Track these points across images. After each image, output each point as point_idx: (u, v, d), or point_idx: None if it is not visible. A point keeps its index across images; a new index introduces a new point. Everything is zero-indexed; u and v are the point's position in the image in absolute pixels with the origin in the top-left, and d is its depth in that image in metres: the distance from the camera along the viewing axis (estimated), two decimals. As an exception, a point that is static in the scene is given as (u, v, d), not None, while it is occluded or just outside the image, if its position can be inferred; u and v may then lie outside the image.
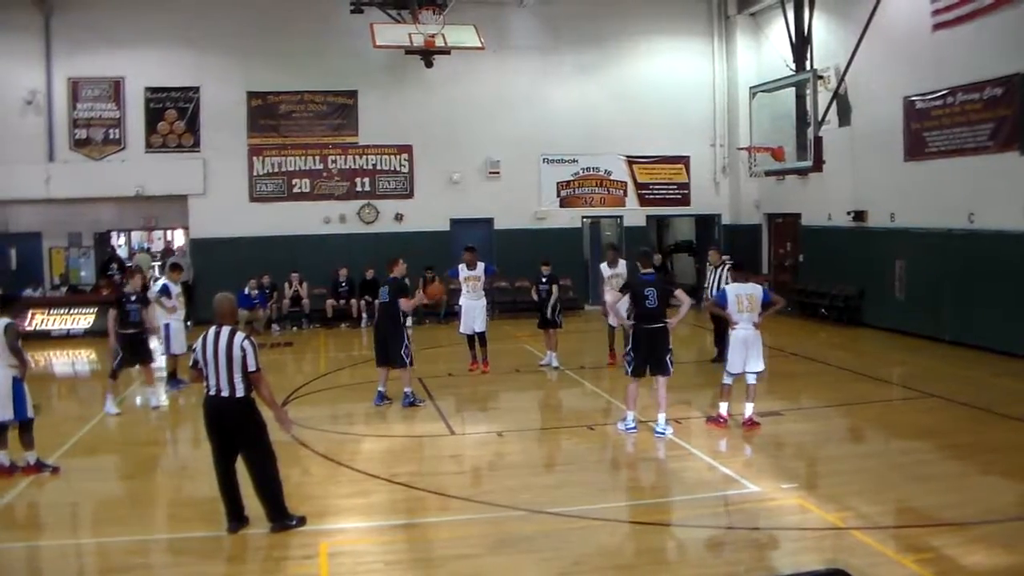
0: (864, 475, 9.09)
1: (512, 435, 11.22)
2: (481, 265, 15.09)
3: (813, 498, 8.40)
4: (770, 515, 8.09)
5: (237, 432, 7.70)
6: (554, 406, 13.51)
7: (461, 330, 15.14)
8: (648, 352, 10.76)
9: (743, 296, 10.99)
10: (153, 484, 9.86)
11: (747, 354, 10.96)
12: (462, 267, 15.09)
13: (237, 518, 7.75)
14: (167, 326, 14.16)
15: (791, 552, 7.28)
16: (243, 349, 7.56)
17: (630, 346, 10.91)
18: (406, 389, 12.62)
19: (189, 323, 20.21)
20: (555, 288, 15.32)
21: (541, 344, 16.11)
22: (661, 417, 10.81)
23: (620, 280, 14.98)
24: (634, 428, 10.90)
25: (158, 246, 32.43)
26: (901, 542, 7.30)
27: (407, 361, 12.54)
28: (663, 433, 10.69)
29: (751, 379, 11.07)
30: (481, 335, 15.02)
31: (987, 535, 7.35)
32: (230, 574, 7.21)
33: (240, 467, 7.82)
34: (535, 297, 15.58)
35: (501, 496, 8.66)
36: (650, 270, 11.05)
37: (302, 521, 7.84)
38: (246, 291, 19.97)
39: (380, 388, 12.77)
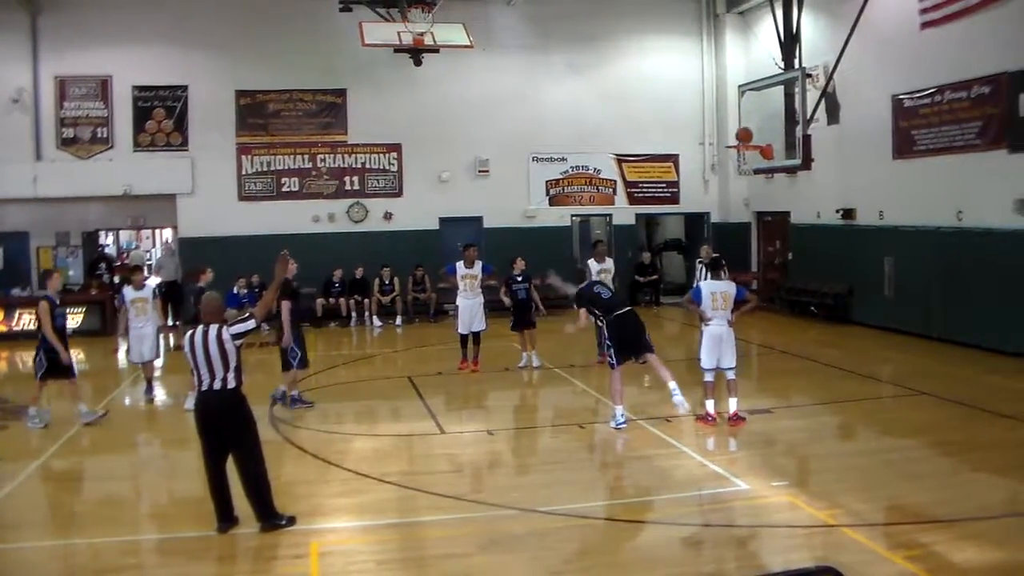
0: (854, 472, 9.11)
1: (502, 434, 11.21)
2: (479, 264, 15.03)
3: (803, 495, 8.40)
4: (760, 513, 8.10)
5: (228, 426, 7.70)
6: (544, 405, 13.49)
7: (459, 329, 15.08)
8: (624, 337, 10.97)
9: (718, 293, 11.10)
10: (142, 484, 9.83)
11: (720, 351, 11.04)
12: (460, 264, 15.02)
13: (227, 518, 7.72)
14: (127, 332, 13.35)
15: (781, 550, 7.28)
16: (229, 337, 7.63)
17: (607, 340, 11.10)
18: (281, 387, 12.41)
19: (178, 322, 20.27)
20: (533, 287, 15.09)
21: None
22: (671, 384, 10.78)
23: (609, 275, 15.02)
24: (624, 423, 10.92)
25: (146, 245, 32.48)
26: (891, 539, 7.31)
27: (292, 363, 12.21)
28: (677, 395, 10.71)
29: (730, 375, 11.15)
30: (476, 334, 14.97)
31: (977, 532, 7.36)
32: (220, 574, 7.18)
33: (230, 468, 7.79)
34: (507, 299, 15.17)
35: (492, 495, 8.66)
36: (584, 283, 12.11)
37: (292, 521, 7.81)
38: (235, 290, 19.88)
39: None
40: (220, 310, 8.03)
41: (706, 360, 11.09)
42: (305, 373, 15.33)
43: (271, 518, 7.73)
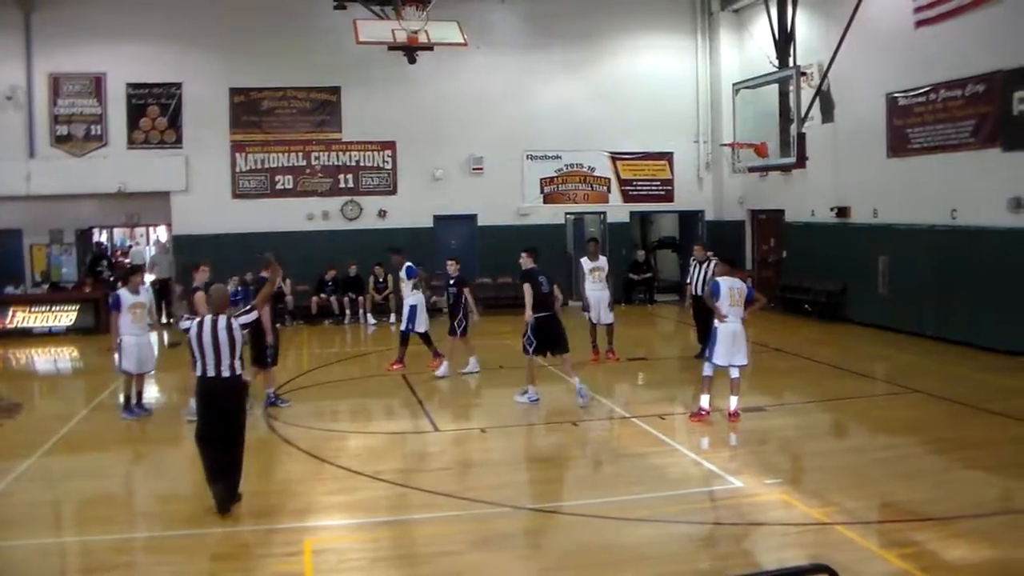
0: (847, 470, 9.13)
1: (495, 431, 11.21)
2: (405, 266, 14.94)
3: (797, 493, 8.43)
4: (754, 510, 8.10)
5: (231, 408, 8.22)
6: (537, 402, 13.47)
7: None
8: (548, 336, 12.29)
9: (734, 290, 11.12)
10: (136, 482, 9.82)
11: (733, 348, 11.04)
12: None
13: (230, 498, 8.06)
14: (119, 340, 12.03)
15: (775, 548, 7.30)
16: (237, 326, 8.31)
17: (529, 331, 12.26)
18: (268, 390, 12.47)
19: (172, 320, 20.21)
20: (466, 292, 14.34)
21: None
22: (575, 380, 12.23)
23: (602, 273, 15.07)
24: (536, 399, 12.22)
25: (140, 242, 32.39)
26: (885, 537, 7.33)
27: (268, 361, 12.33)
28: (582, 392, 12.05)
29: (734, 373, 11.13)
30: (421, 335, 15.00)
31: (970, 530, 7.38)
32: (214, 571, 7.16)
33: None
34: (447, 301, 14.81)
35: (485, 492, 8.65)
36: (534, 264, 12.52)
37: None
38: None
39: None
40: (227, 302, 8.66)
41: (721, 358, 11.04)
42: (300, 370, 15.45)
43: (235, 492, 8.20)
